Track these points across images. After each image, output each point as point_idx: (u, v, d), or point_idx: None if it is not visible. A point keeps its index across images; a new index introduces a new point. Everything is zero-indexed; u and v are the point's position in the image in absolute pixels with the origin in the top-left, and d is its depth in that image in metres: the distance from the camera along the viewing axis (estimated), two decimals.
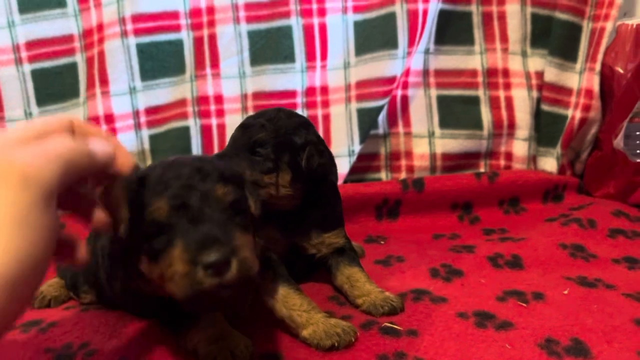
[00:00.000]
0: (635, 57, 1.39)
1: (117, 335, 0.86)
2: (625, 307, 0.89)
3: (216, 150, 1.49)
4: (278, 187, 0.93)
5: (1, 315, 0.47)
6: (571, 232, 1.27)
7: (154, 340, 0.82)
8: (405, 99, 1.56)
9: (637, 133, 1.44)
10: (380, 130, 1.56)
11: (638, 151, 1.44)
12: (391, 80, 1.48)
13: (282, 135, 0.93)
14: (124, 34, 1.40)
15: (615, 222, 1.32)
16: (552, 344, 0.77)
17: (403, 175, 1.57)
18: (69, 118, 0.62)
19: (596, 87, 1.47)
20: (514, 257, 1.15)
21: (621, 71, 1.41)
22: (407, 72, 1.54)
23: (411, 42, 1.48)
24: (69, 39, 1.42)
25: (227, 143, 0.98)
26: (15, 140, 0.54)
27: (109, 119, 1.43)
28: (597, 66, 1.46)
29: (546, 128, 1.56)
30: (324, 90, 1.52)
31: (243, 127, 0.96)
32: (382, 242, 1.33)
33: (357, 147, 1.50)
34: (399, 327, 0.83)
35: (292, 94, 1.49)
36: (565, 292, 0.96)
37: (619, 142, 1.44)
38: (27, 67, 1.41)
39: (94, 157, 0.58)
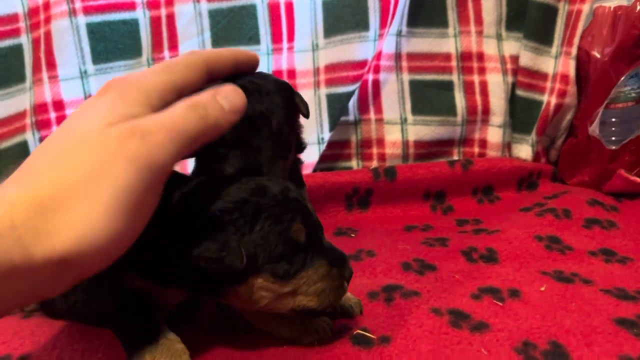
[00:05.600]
0: (612, 41, 1.34)
1: (60, 347, 0.78)
2: (603, 305, 0.84)
3: None
4: None
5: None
6: (546, 223, 1.23)
7: (101, 351, 0.75)
8: (376, 84, 1.49)
9: (613, 119, 1.40)
10: (351, 117, 1.49)
11: (613, 138, 1.40)
12: (362, 64, 1.41)
13: None
14: (73, 12, 1.29)
15: (591, 212, 1.28)
16: (530, 348, 0.72)
17: (375, 164, 1.51)
18: (203, 59, 0.63)
19: (572, 72, 1.42)
20: (489, 251, 1.10)
21: (598, 55, 1.37)
22: (378, 56, 1.47)
23: (383, 23, 1.41)
24: (13, 18, 1.30)
25: None
26: (139, 101, 0.54)
27: (58, 105, 1.32)
28: (573, 50, 1.42)
29: (521, 114, 1.52)
30: (291, 73, 1.43)
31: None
32: (353, 235, 1.27)
33: (326, 135, 1.43)
34: (371, 335, 0.77)
35: None
36: (542, 288, 0.91)
37: (594, 128, 1.40)
38: None
39: (221, 126, 0.59)
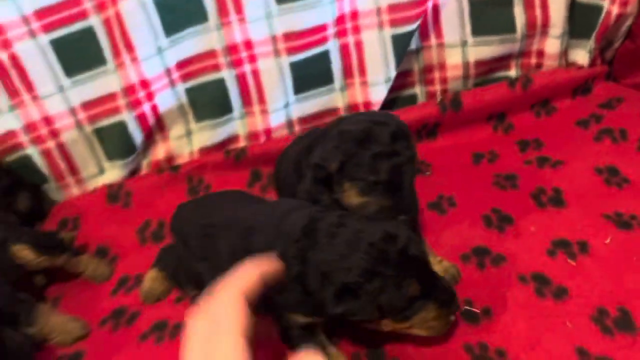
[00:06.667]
0: None
1: None
2: None
3: (255, 98, 1.49)
4: None
5: None
6: (604, 150, 1.36)
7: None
8: (436, 8, 1.49)
9: None
10: (413, 46, 1.52)
11: None
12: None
13: None
14: None
15: None
16: (604, 317, 0.95)
17: (437, 87, 1.59)
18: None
19: None
20: (555, 192, 1.26)
21: None
22: None
23: None
24: (78, 0, 1.31)
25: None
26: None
27: (144, 84, 1.40)
28: None
29: (580, 20, 1.52)
30: (354, 15, 1.45)
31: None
32: (428, 174, 1.43)
33: (393, 73, 1.49)
34: (477, 310, 1.00)
35: (322, 28, 1.43)
36: (607, 241, 1.11)
37: None
38: (44, 38, 1.33)
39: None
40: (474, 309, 1.00)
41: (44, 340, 1.09)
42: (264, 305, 0.72)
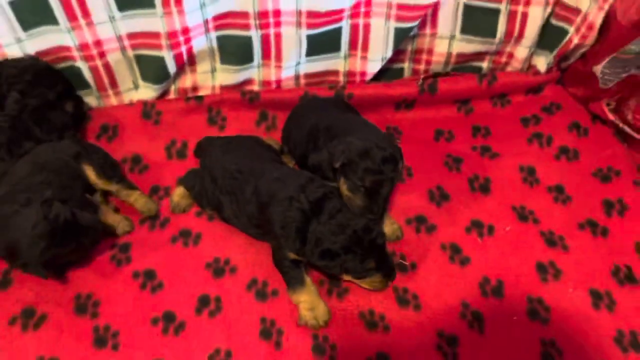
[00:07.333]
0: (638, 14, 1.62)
1: (245, 252, 1.49)
2: (533, 249, 1.53)
3: (273, 56, 1.78)
4: None
5: None
6: (532, 152, 1.80)
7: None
8: (436, 5, 1.77)
9: (618, 67, 1.78)
10: (411, 32, 1.82)
11: (607, 78, 1.81)
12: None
13: None
14: None
15: (566, 138, 1.82)
16: (486, 284, 1.45)
17: (422, 67, 1.92)
18: None
19: (598, 23, 1.71)
20: (486, 180, 1.71)
21: (622, 21, 1.66)
22: None
23: None
24: None
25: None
26: None
27: (185, 31, 1.66)
28: (606, 6, 1.68)
29: (548, 36, 1.85)
30: (358, 4, 1.72)
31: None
32: (398, 140, 1.83)
33: (389, 54, 1.81)
34: (406, 263, 1.48)
35: (340, 10, 1.69)
36: (507, 229, 1.58)
37: (597, 69, 1.80)
38: None
39: None
40: (405, 262, 1.49)
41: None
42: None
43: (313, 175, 1.40)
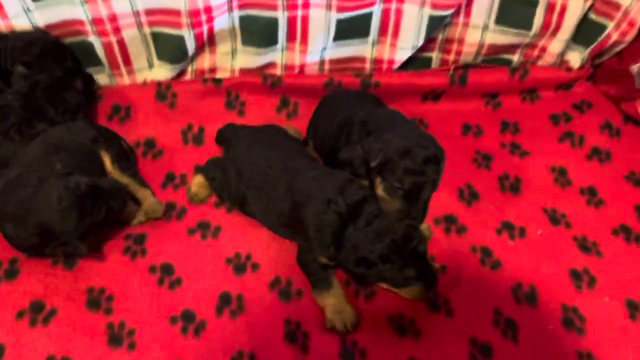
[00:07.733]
0: None
1: (267, 248, 1.41)
2: (567, 252, 1.48)
3: (299, 39, 1.68)
4: None
5: None
6: (563, 151, 1.73)
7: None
8: None
9: None
10: (445, 21, 1.73)
11: None
12: None
13: None
14: None
15: (598, 139, 1.76)
16: (519, 289, 1.39)
17: (451, 57, 1.83)
18: None
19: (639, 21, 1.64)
20: (516, 180, 1.64)
21: None
22: None
23: None
24: None
25: None
26: None
27: (208, 10, 1.55)
28: None
29: (585, 31, 1.77)
30: None
31: None
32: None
33: (420, 43, 1.72)
34: (436, 265, 1.41)
35: None
36: (539, 232, 1.52)
37: (634, 68, 1.73)
38: None
39: None
40: (435, 264, 1.42)
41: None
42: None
43: (351, 176, 1.30)
